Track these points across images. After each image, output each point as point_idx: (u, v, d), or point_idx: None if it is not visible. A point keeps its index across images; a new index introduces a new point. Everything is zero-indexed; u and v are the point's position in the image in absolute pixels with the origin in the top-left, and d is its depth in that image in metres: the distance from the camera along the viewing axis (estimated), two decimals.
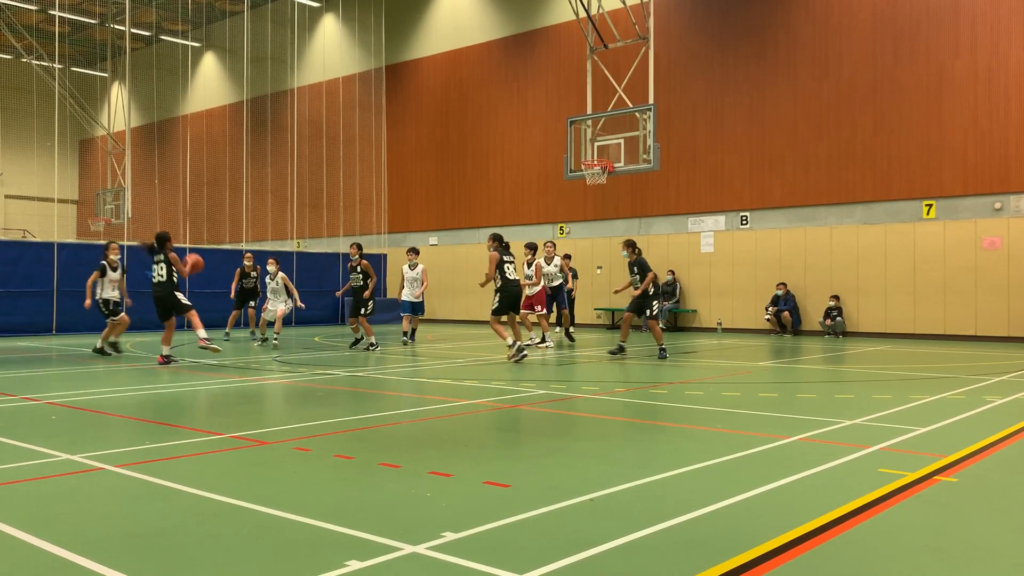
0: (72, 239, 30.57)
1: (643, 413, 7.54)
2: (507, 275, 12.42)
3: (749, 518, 4.06)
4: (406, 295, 15.94)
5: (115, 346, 13.48)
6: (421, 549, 3.53)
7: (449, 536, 3.70)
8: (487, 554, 3.48)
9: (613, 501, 4.36)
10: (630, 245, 13.16)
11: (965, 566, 3.45)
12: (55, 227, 25.70)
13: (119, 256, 13.59)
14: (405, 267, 15.99)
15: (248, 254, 17.83)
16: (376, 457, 5.48)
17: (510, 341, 11.99)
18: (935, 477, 4.92)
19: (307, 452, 5.70)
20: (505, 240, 12.68)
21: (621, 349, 13.12)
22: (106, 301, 13.40)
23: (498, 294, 12.42)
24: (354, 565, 3.33)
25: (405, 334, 16.08)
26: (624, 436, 6.32)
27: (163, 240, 12.03)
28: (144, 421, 6.99)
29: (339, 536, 3.75)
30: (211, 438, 6.19)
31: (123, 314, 13.58)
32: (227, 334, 17.21)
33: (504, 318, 12.77)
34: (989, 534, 3.90)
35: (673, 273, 21.18)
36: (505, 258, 12.49)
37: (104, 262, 13.46)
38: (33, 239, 26.99)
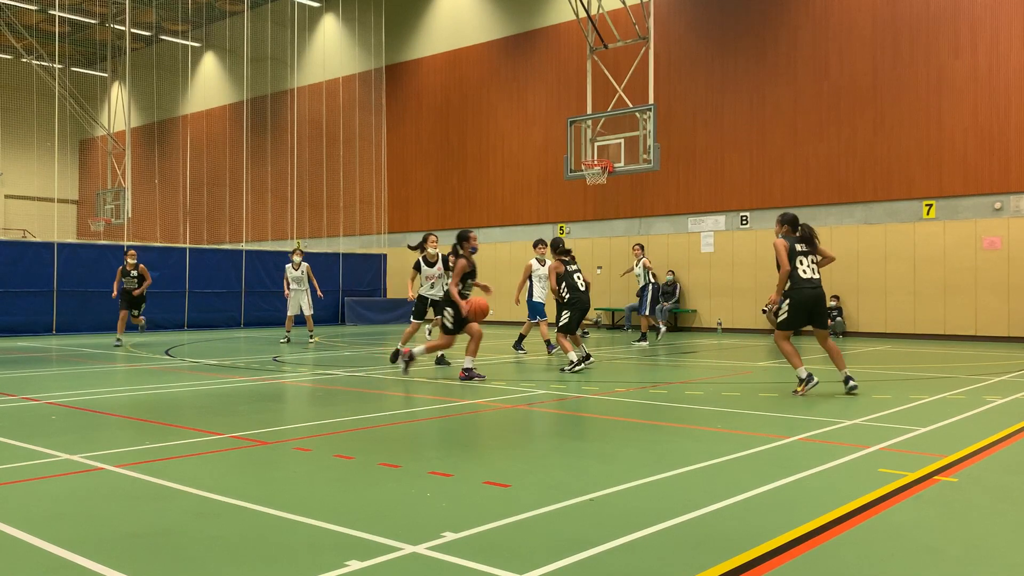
0: (72, 239, 30.55)
1: (643, 413, 7.53)
2: (801, 274, 8.69)
3: (749, 518, 4.06)
4: (539, 295, 13.77)
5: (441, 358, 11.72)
6: (421, 549, 3.53)
7: (449, 536, 3.70)
8: (487, 554, 3.48)
9: (613, 501, 4.36)
10: None
11: (965, 566, 3.45)
12: (55, 227, 25.70)
13: (436, 250, 12.17)
14: (533, 261, 13.78)
15: (131, 251, 16.24)
16: (376, 457, 5.48)
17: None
18: (935, 477, 4.92)
19: (307, 452, 5.70)
20: (803, 225, 8.75)
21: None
22: (422, 299, 11.98)
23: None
24: (354, 565, 3.33)
25: (549, 344, 13.60)
26: (624, 436, 6.32)
27: (458, 238, 10.13)
28: (144, 421, 6.99)
29: (339, 536, 3.75)
30: (211, 438, 6.19)
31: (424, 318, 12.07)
32: (118, 340, 15.57)
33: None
34: (989, 534, 3.90)
35: (673, 273, 21.17)
36: (798, 247, 8.61)
37: (419, 258, 12.12)
38: (33, 239, 26.97)
